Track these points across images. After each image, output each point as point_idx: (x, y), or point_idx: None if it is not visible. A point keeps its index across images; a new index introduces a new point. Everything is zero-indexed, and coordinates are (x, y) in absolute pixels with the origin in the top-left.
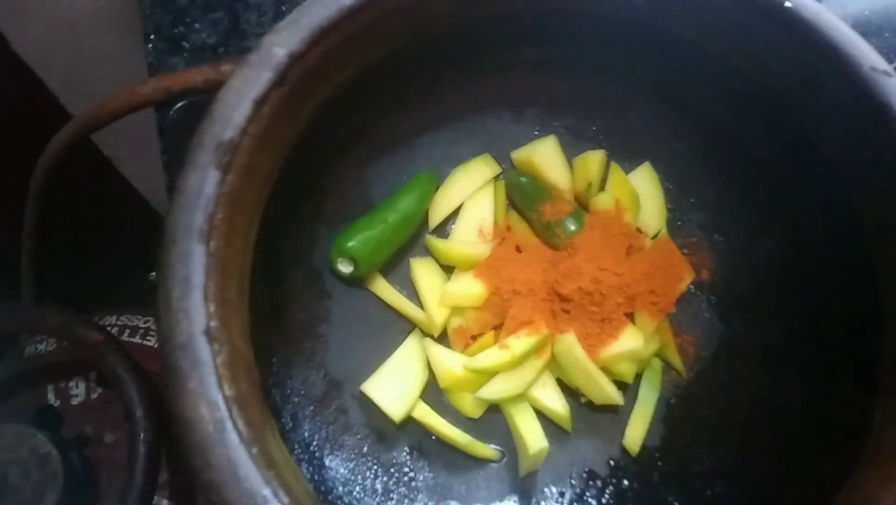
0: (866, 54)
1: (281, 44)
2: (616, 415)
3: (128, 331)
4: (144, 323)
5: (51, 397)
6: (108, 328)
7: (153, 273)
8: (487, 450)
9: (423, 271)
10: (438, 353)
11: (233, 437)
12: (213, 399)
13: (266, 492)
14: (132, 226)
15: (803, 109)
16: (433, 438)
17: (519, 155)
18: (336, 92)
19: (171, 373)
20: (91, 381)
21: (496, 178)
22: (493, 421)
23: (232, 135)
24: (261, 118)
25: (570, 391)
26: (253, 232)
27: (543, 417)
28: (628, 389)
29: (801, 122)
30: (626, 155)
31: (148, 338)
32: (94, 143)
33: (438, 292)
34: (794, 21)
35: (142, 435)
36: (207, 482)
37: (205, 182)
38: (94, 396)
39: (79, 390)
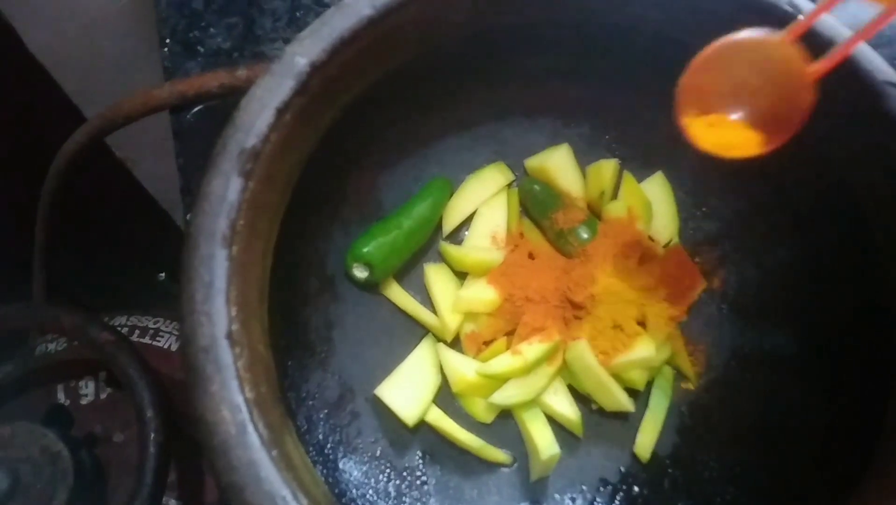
0: (880, 67)
1: (303, 53)
2: (627, 422)
3: (137, 331)
4: (154, 323)
5: (61, 397)
6: (118, 328)
7: (163, 274)
8: (499, 454)
9: (437, 277)
10: (451, 358)
11: (254, 439)
12: (234, 402)
13: (286, 493)
14: (143, 227)
15: (816, 120)
16: (445, 442)
17: (532, 163)
18: (355, 99)
19: (194, 375)
20: (101, 380)
21: (510, 185)
22: (504, 426)
23: (254, 142)
24: (282, 126)
25: (581, 398)
26: (273, 237)
27: (555, 423)
28: (639, 396)
29: (814, 134)
30: (638, 164)
31: (157, 338)
32: (106, 145)
33: (452, 298)
34: (808, 33)
35: (152, 435)
36: (229, 484)
37: (228, 189)
38: (103, 395)
39: (88, 390)
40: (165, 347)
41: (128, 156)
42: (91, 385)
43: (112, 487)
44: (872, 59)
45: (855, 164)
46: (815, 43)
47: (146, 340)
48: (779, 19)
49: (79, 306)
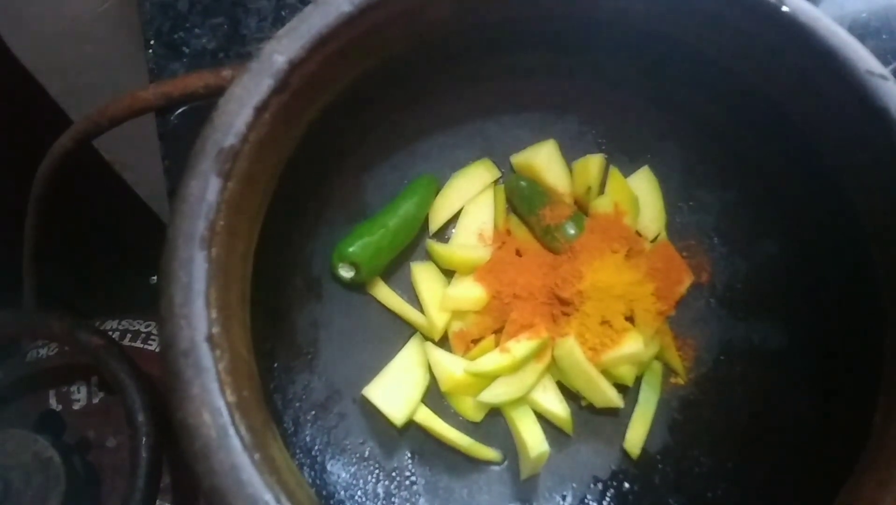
0: (863, 58)
1: (281, 51)
2: (617, 418)
3: (129, 335)
4: (146, 327)
5: (52, 402)
6: (110, 333)
7: (154, 277)
8: (489, 451)
9: (424, 275)
10: (439, 357)
11: (235, 443)
12: (215, 405)
13: (268, 497)
14: (133, 230)
15: (801, 113)
16: (434, 441)
17: (518, 159)
18: (336, 97)
19: (174, 379)
20: (93, 385)
21: (496, 182)
22: (494, 424)
23: (233, 142)
24: (261, 125)
25: (570, 394)
26: (254, 238)
27: (544, 421)
28: (629, 392)
29: (800, 126)
30: (625, 159)
31: (149, 342)
32: (95, 149)
33: (439, 296)
34: (791, 25)
35: (144, 440)
36: (210, 488)
37: (206, 189)
38: (95, 400)
39: (80, 395)
40: (157, 350)
41: (116, 159)
42: (83, 390)
43: (105, 493)
44: (856, 50)
45: (843, 157)
46: (792, 32)
47: (138, 343)
48: (763, 13)
49: (69, 311)
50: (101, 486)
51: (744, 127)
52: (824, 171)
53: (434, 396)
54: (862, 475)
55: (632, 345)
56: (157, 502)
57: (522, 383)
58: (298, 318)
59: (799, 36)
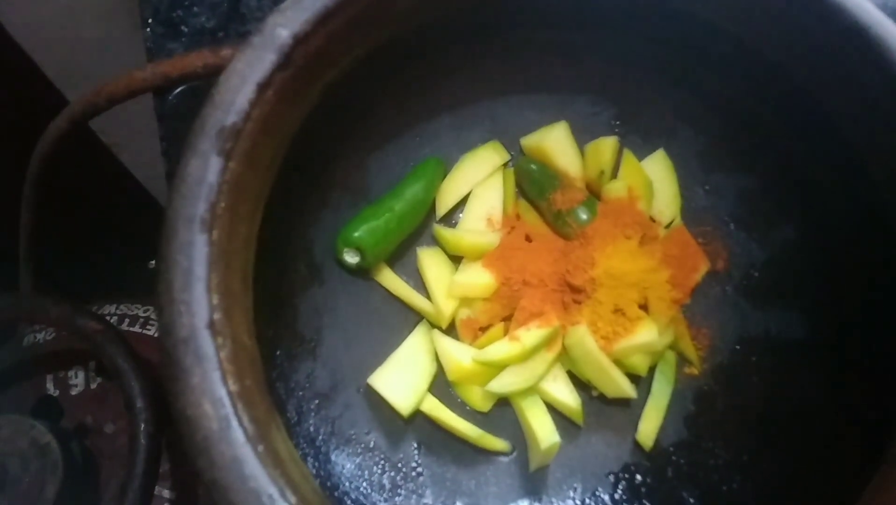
0: (895, 35)
1: (285, 24)
2: (629, 408)
3: (127, 320)
4: (144, 312)
5: (50, 387)
6: (108, 317)
7: (153, 261)
8: (498, 442)
9: (431, 261)
10: (447, 345)
11: (238, 434)
12: (217, 395)
13: (272, 491)
14: (131, 214)
15: (827, 94)
16: (441, 432)
17: (529, 141)
18: (341, 75)
19: (174, 368)
20: (91, 370)
21: (505, 165)
22: (502, 415)
23: (234, 120)
24: (264, 102)
25: (581, 384)
26: (256, 221)
27: (554, 411)
28: (641, 382)
29: (825, 107)
30: (639, 141)
31: (148, 327)
32: (92, 130)
33: (446, 283)
34: (820, 1)
35: (142, 426)
36: (212, 481)
37: (206, 169)
38: (93, 385)
39: (78, 380)
40: (156, 335)
41: (114, 141)
42: (81, 375)
43: (104, 479)
44: (889, 29)
45: (870, 141)
46: (818, 6)
47: (136, 328)
48: None
49: (67, 296)
50: (100, 472)
51: (765, 108)
52: (850, 155)
53: (441, 385)
54: (891, 472)
55: (645, 334)
56: (156, 489)
57: (532, 373)
58: (301, 304)
59: (828, 13)
